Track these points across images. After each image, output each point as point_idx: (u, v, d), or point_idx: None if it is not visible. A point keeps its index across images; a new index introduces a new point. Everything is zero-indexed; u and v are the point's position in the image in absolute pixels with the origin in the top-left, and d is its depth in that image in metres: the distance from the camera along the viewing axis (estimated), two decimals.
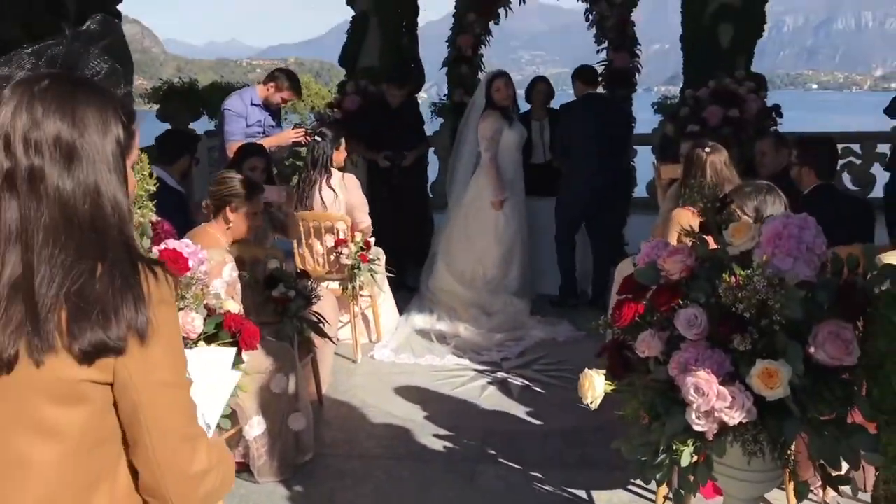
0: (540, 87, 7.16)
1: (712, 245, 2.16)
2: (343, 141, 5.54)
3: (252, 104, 6.03)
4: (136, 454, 1.29)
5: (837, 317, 1.91)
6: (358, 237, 5.26)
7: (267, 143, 5.73)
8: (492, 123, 6.12)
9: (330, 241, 5.32)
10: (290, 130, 6.06)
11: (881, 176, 9.94)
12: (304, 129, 5.97)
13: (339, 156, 5.54)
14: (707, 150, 3.96)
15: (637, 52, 7.66)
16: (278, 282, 3.97)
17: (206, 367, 1.94)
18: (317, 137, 5.45)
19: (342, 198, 5.41)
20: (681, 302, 2.05)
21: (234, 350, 2.17)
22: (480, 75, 7.90)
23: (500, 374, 5.07)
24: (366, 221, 5.42)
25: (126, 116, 1.31)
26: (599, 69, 7.64)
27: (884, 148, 9.88)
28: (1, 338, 1.18)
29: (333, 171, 5.45)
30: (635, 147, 8.41)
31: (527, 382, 4.96)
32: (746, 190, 2.98)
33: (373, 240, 5.50)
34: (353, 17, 7.90)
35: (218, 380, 1.94)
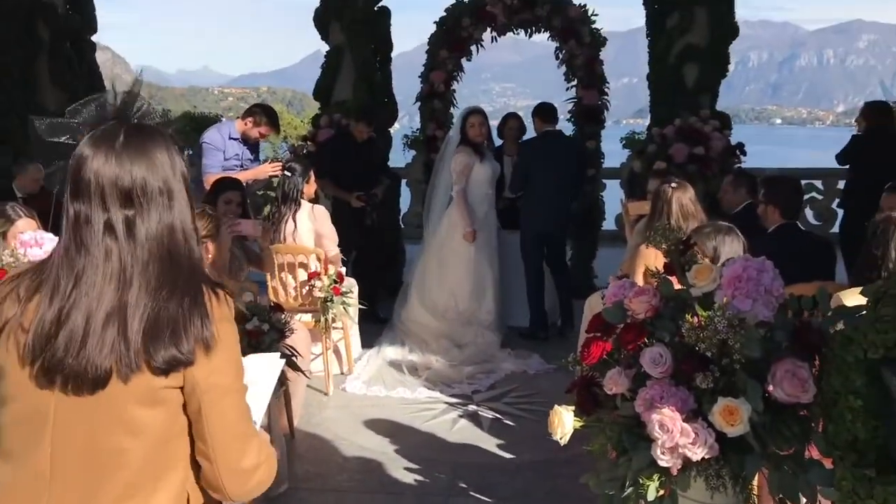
0: (511, 124, 7.31)
1: (676, 285, 2.25)
2: (312, 174, 5.60)
3: (230, 138, 6.09)
4: (198, 449, 1.52)
5: (794, 356, 1.99)
6: (331, 270, 5.30)
7: (243, 176, 5.78)
8: (463, 158, 6.27)
9: (303, 274, 5.35)
10: (266, 164, 6.11)
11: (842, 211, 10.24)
12: (280, 163, 6.06)
13: (310, 188, 5.60)
14: (673, 185, 4.09)
15: (606, 89, 7.83)
16: (252, 315, 3.99)
17: (257, 372, 2.14)
18: (286, 172, 5.50)
19: (311, 228, 5.46)
20: (646, 341, 2.12)
21: (281, 358, 2.38)
22: (453, 110, 8.05)
23: (472, 407, 5.12)
24: (333, 251, 5.47)
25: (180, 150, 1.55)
26: (569, 105, 7.83)
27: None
28: (98, 359, 1.43)
29: (303, 202, 5.51)
30: (604, 181, 8.56)
31: (498, 415, 5.01)
32: (706, 230, 3.09)
33: (344, 270, 5.54)
34: (327, 51, 8.02)
35: (264, 382, 2.20)
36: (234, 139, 6.10)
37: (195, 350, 1.46)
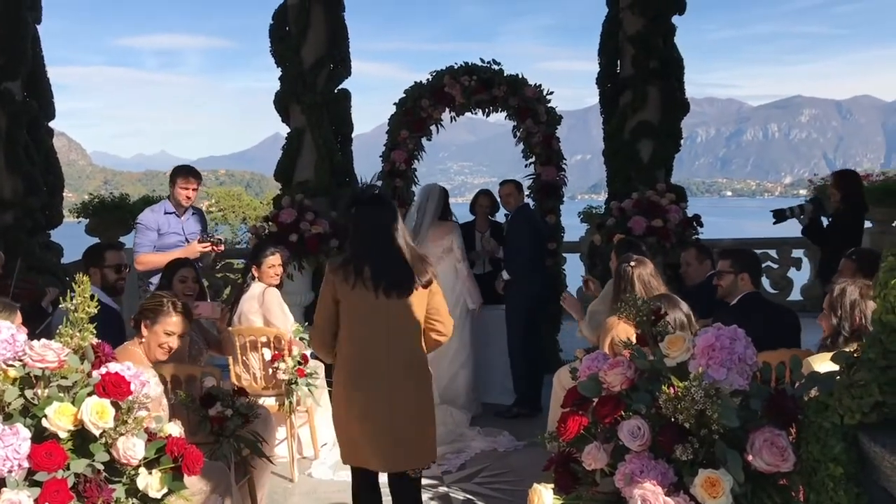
0: (483, 202, 7.38)
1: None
2: (270, 255, 5.55)
3: (166, 213, 6.08)
4: (432, 319, 3.59)
5: (771, 424, 1.99)
6: (295, 351, 5.21)
7: (152, 259, 5.83)
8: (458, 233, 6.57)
9: (267, 355, 5.26)
10: (195, 243, 6.04)
11: (797, 279, 10.45)
12: (210, 241, 6.02)
13: (266, 270, 5.52)
14: (632, 264, 4.16)
15: (563, 166, 7.99)
16: (215, 400, 3.89)
17: None
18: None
19: (258, 311, 5.39)
20: (623, 413, 2.10)
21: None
22: (414, 188, 8.14)
23: (442, 489, 5.00)
24: (288, 335, 5.37)
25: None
26: (528, 182, 7.96)
27: (798, 252, 10.43)
28: (404, 282, 3.50)
29: (254, 284, 5.45)
30: (564, 255, 8.64)
31: (469, 496, 4.89)
32: (663, 302, 3.13)
33: (309, 352, 5.46)
34: (288, 133, 8.09)
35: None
36: (171, 213, 6.10)
37: (431, 279, 3.53)
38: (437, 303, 3.57)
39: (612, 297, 4.41)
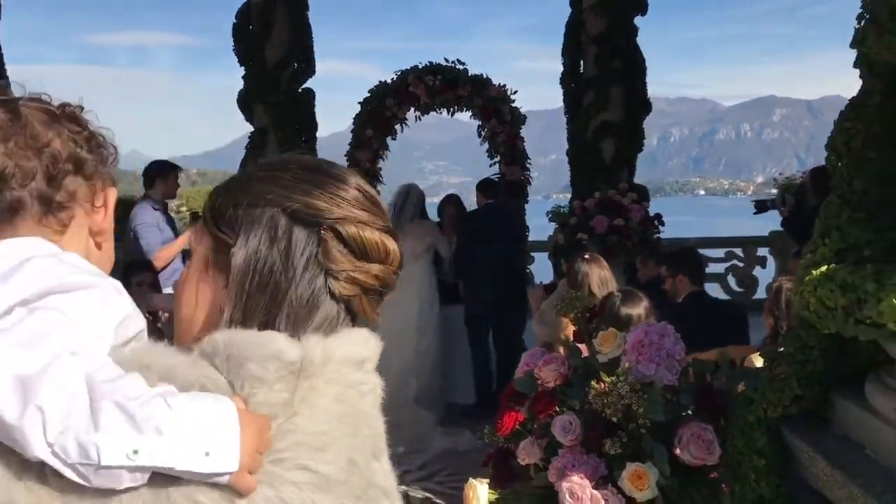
0: (450, 211, 7.34)
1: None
2: None
3: (153, 209, 6.10)
4: None
5: (699, 418, 2.04)
6: None
7: (170, 253, 5.81)
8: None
9: None
10: (185, 235, 6.02)
11: (763, 277, 10.61)
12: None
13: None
14: (587, 257, 4.22)
15: (528, 165, 8.05)
16: None
17: None
18: None
19: None
20: (557, 409, 2.15)
21: None
22: (380, 187, 8.15)
23: (402, 487, 4.98)
24: None
25: None
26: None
27: (763, 251, 10.59)
28: None
29: None
30: (532, 254, 8.71)
31: (428, 495, 4.91)
32: (616, 297, 3.17)
33: None
34: (251, 132, 8.07)
35: None
36: (157, 210, 6.12)
37: None
38: None
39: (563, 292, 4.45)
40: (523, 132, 8.18)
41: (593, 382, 2.03)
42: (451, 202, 7.39)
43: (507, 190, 7.87)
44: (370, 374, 1.07)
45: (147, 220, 6.00)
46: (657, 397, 1.97)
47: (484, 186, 6.84)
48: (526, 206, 8.26)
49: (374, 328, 1.06)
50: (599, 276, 4.18)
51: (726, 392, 2.13)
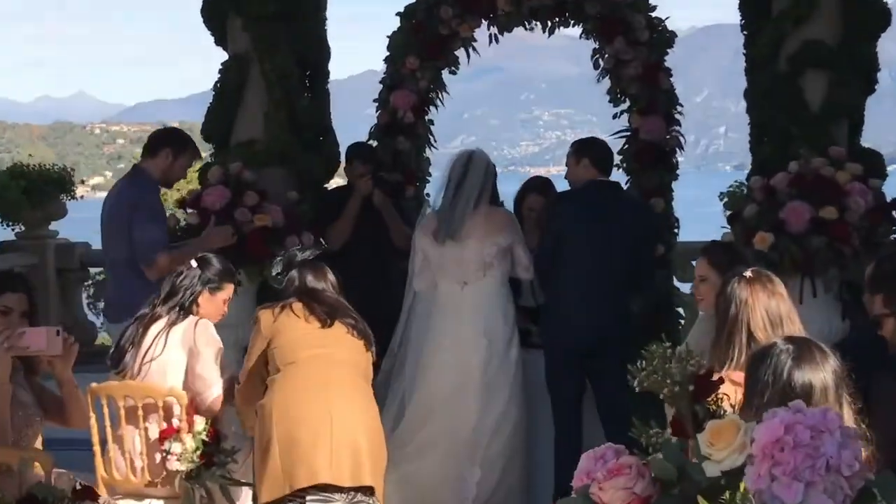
0: (533, 203, 7.24)
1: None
2: (228, 285, 5.77)
3: (156, 189, 6.80)
4: None
5: None
6: (199, 425, 5.21)
7: (177, 261, 6.13)
8: None
9: (153, 429, 5.30)
10: (218, 230, 6.74)
11: None
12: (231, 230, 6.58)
13: (211, 304, 5.66)
14: (747, 276, 4.14)
15: (677, 114, 7.86)
16: None
17: None
18: (193, 263, 5.68)
19: (180, 359, 5.42)
20: None
21: None
22: (430, 151, 8.27)
23: None
24: (212, 395, 5.38)
25: None
26: (619, 144, 7.87)
27: None
28: None
29: (189, 317, 5.54)
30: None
31: None
32: (780, 349, 2.98)
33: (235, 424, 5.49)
34: (224, 62, 8.12)
35: None
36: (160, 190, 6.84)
37: None
38: None
39: (711, 335, 4.39)
40: (670, 62, 8.05)
41: None
42: (536, 187, 7.33)
43: (640, 157, 7.71)
44: None
45: (157, 203, 6.70)
46: None
47: (585, 149, 6.76)
48: (674, 183, 8.05)
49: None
50: (768, 309, 4.04)
51: None
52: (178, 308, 5.58)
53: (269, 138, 7.82)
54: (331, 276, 5.65)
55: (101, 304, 10.91)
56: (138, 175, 6.88)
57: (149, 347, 5.48)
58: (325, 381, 5.28)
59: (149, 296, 5.70)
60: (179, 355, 5.50)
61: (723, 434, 2.05)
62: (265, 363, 5.43)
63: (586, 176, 6.66)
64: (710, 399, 2.24)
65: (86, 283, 13.08)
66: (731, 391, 3.63)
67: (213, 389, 5.48)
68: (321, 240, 7.64)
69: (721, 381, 2.31)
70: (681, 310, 8.44)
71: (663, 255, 7.71)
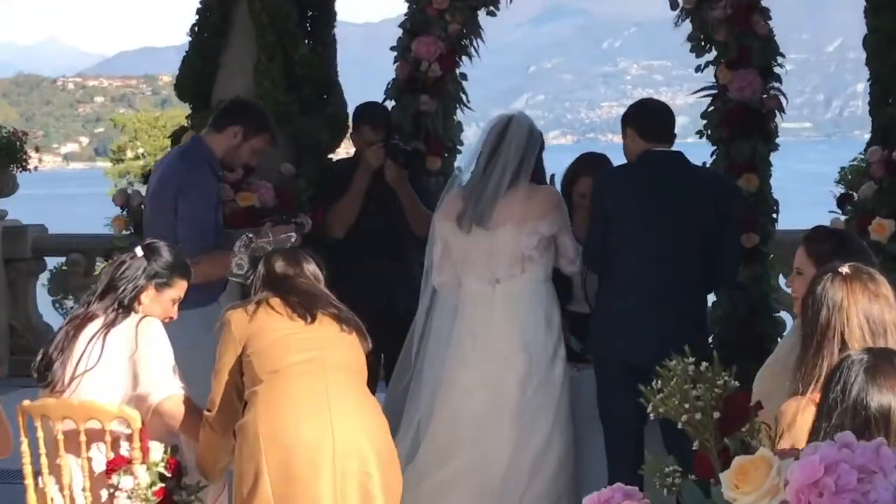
0: (585, 186, 7.18)
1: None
2: (180, 281, 5.77)
3: (214, 173, 6.90)
4: None
5: None
6: (155, 454, 5.20)
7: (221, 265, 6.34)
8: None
9: (99, 460, 5.31)
10: (279, 229, 6.51)
11: None
12: (295, 222, 6.76)
13: (157, 304, 5.67)
14: (844, 272, 4.09)
15: (776, 65, 7.85)
16: None
17: None
18: (138, 251, 5.65)
19: (125, 365, 5.40)
20: None
21: None
22: (460, 113, 8.35)
23: None
24: (166, 394, 5.38)
25: None
26: (701, 101, 7.82)
27: None
28: None
29: (133, 315, 5.51)
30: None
31: None
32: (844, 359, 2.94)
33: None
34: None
35: None
36: (215, 174, 6.96)
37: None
38: None
39: (798, 345, 4.33)
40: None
41: None
42: (590, 167, 7.29)
43: (729, 122, 7.73)
44: None
45: (209, 187, 6.85)
46: None
47: (630, 115, 6.75)
48: (772, 157, 8.00)
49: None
50: (868, 315, 4.02)
51: None
52: (116, 306, 5.53)
53: (258, 96, 7.87)
54: (307, 264, 5.56)
55: (71, 303, 11.00)
56: (195, 148, 7.01)
57: (81, 355, 5.44)
58: (321, 393, 5.14)
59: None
60: (120, 363, 5.46)
61: (750, 474, 2.07)
62: (241, 375, 5.30)
63: (637, 149, 6.64)
64: (744, 429, 2.18)
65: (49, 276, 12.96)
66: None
67: (167, 388, 5.42)
68: (307, 220, 7.56)
69: (758, 406, 2.25)
70: (785, 316, 8.39)
71: (757, 246, 7.63)
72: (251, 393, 5.21)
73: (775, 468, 2.06)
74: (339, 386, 5.21)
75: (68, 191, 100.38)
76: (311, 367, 5.20)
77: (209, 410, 5.38)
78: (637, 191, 6.52)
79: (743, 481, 2.07)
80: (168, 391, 5.42)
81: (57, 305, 12.98)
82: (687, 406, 2.25)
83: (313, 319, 5.24)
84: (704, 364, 2.96)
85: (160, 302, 5.69)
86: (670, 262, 6.44)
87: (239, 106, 7.30)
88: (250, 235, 5.85)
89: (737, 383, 2.72)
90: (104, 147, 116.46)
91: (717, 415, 2.56)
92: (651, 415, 3.47)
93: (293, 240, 5.99)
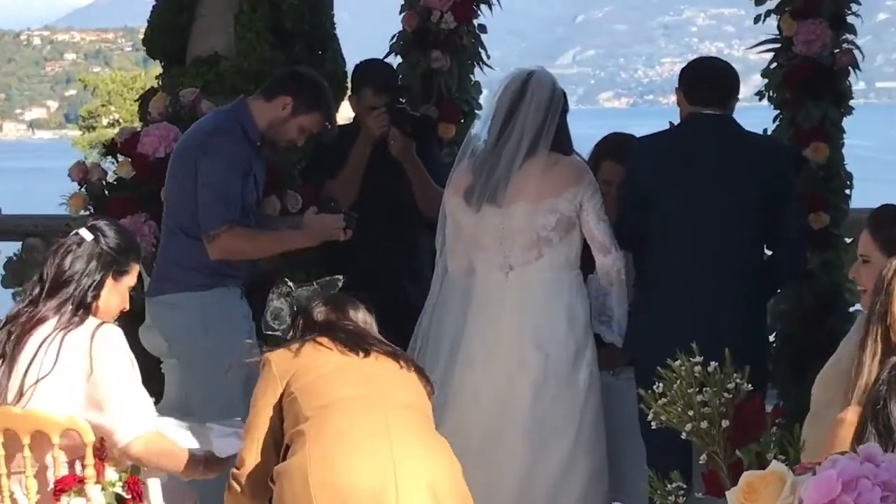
0: (610, 172, 7.19)
1: None
2: (134, 265, 5.78)
3: (250, 141, 6.97)
4: None
5: None
6: (111, 474, 5.25)
7: (291, 244, 6.93)
8: None
9: (46, 477, 5.34)
10: (333, 218, 6.79)
11: None
12: (346, 217, 6.81)
13: (115, 294, 5.63)
14: None
15: (851, 14, 7.96)
16: None
17: None
18: (84, 234, 5.60)
19: (76, 373, 5.42)
20: None
21: None
22: (476, 73, 8.39)
23: None
24: (136, 433, 5.34)
25: None
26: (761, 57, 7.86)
27: None
28: None
29: (90, 319, 5.52)
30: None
31: None
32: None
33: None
34: None
35: None
36: (252, 143, 7.05)
37: None
38: None
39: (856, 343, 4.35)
40: None
41: None
42: (614, 150, 7.30)
43: (793, 81, 7.75)
44: None
45: (238, 151, 6.92)
46: None
47: (681, 75, 6.81)
48: (845, 121, 7.99)
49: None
50: None
51: None
52: (72, 305, 5.49)
53: (239, 52, 7.92)
54: (356, 311, 5.50)
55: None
56: (234, 110, 7.10)
57: (31, 361, 5.39)
58: (382, 432, 4.92)
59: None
60: (77, 376, 5.42)
61: (760, 491, 2.09)
62: (280, 422, 5.14)
63: (684, 113, 6.69)
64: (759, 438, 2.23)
65: None
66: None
67: (133, 427, 5.42)
68: (298, 198, 7.65)
69: (777, 413, 2.28)
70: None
71: (827, 228, 7.64)
72: (295, 433, 5.01)
73: (788, 484, 2.10)
74: (402, 424, 5.02)
75: (32, 163, 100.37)
76: (367, 403, 5.07)
77: (238, 468, 5.29)
78: (671, 160, 6.58)
79: (752, 499, 2.11)
80: (135, 431, 5.39)
81: (17, 300, 12.91)
82: (692, 413, 2.23)
83: (367, 354, 5.15)
84: (713, 364, 2.99)
85: (118, 291, 5.66)
86: (715, 247, 6.45)
87: (295, 76, 7.34)
88: (289, 283, 5.73)
89: (750, 387, 2.72)
90: (75, 113, 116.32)
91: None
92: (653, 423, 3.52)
93: (340, 283, 5.79)
